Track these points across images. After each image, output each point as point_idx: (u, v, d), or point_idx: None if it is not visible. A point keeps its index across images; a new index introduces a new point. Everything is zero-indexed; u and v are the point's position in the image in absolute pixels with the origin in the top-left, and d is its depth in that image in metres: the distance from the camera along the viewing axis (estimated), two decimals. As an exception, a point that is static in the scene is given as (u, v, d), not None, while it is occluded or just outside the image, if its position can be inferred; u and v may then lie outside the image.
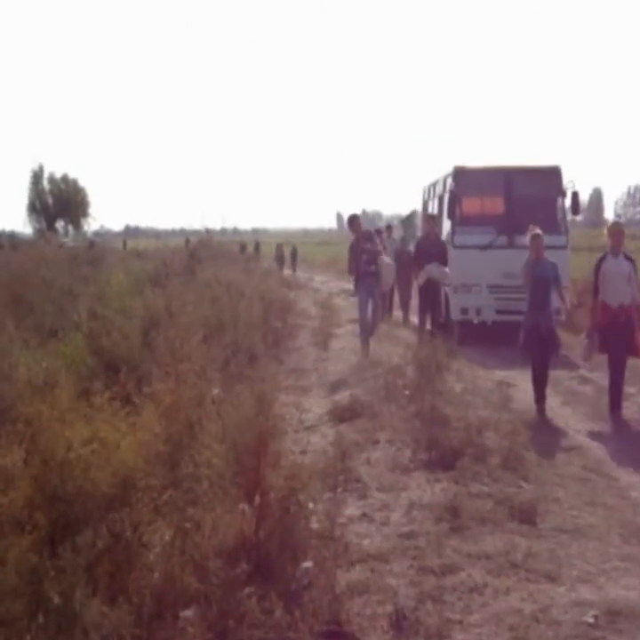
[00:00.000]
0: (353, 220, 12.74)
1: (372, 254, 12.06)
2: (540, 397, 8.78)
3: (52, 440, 3.57)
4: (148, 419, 4.61)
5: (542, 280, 8.87)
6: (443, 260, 12.74)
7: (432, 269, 12.57)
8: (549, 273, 8.91)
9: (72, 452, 3.51)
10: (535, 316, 8.80)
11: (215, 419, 5.41)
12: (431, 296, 12.92)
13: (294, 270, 38.87)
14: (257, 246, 48.01)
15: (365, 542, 5.10)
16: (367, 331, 12.05)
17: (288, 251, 41.16)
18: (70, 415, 3.82)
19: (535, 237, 8.95)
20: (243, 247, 45.96)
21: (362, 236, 12.19)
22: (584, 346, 9.26)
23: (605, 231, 9.40)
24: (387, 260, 12.47)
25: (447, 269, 12.69)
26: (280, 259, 40.08)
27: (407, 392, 8.29)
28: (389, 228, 20.88)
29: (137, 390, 5.72)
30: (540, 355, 8.82)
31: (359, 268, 12.01)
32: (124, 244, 45.74)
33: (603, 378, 10.51)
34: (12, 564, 3.15)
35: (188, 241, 29.96)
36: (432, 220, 13.40)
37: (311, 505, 4.73)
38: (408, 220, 21.24)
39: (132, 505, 3.79)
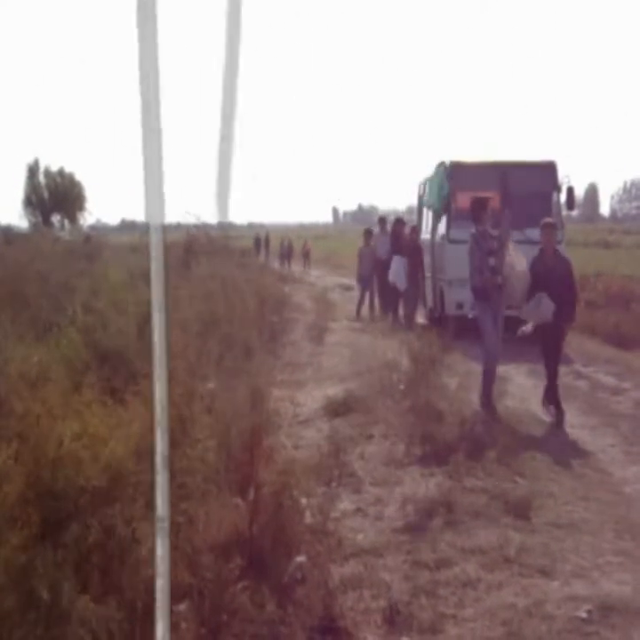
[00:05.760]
0: (481, 203, 8.57)
1: (500, 259, 8.22)
2: None
3: (43, 436, 3.56)
4: (139, 413, 4.60)
5: None
6: (564, 286, 8.06)
7: (529, 311, 8.03)
8: None
9: (64, 448, 3.50)
10: None
11: (208, 413, 5.42)
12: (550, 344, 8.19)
13: (289, 265, 38.49)
14: (266, 240, 45.93)
15: (359, 537, 5.10)
16: (493, 371, 8.34)
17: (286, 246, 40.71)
18: (62, 410, 3.81)
19: None
20: (257, 242, 43.12)
21: (490, 230, 8.45)
22: None
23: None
24: (519, 266, 8.21)
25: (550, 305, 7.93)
26: (288, 255, 39.47)
27: (402, 387, 8.29)
28: (383, 220, 18.50)
29: (132, 384, 5.71)
30: None
31: (484, 276, 8.21)
32: (140, 236, 44.58)
33: (597, 372, 10.57)
34: (1, 561, 3.14)
35: (188, 234, 29.74)
36: (551, 229, 8.52)
37: (305, 500, 4.74)
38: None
39: (124, 500, 3.78)
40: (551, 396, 8.18)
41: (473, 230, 8.39)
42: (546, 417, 8.15)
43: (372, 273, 16.90)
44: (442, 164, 14.28)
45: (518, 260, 8.18)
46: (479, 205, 8.46)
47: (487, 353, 8.29)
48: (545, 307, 7.86)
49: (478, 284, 8.27)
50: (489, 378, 8.23)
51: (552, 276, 7.97)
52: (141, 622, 3.40)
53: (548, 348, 8.14)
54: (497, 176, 14.08)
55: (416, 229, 16.42)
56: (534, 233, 13.86)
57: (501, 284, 8.13)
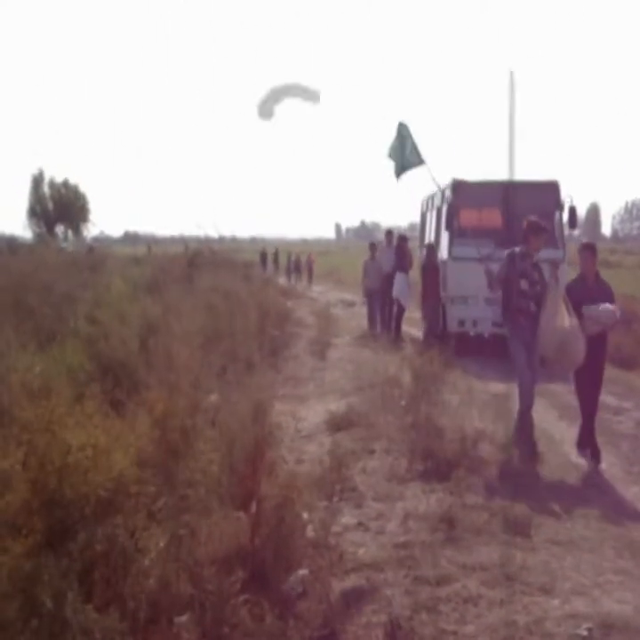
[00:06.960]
0: (536, 229, 7.71)
1: (535, 285, 7.58)
2: None
3: (50, 444, 3.57)
4: (141, 425, 4.63)
5: None
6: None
7: (597, 312, 7.46)
8: None
9: (71, 457, 3.51)
10: None
11: (210, 426, 5.43)
12: (596, 358, 7.51)
13: (297, 280, 38.53)
14: (275, 256, 45.09)
15: (360, 551, 5.10)
16: (529, 408, 7.47)
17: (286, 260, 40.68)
18: (68, 419, 3.83)
19: None
20: (263, 257, 42.65)
21: (528, 251, 7.64)
22: None
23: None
24: (558, 322, 7.30)
25: (612, 308, 7.62)
26: (295, 270, 39.44)
27: (403, 402, 8.30)
28: (390, 233, 17.62)
29: (135, 396, 5.74)
30: None
31: (513, 298, 7.57)
32: (149, 249, 44.07)
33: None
34: (5, 569, 3.15)
35: (187, 248, 29.54)
36: (591, 252, 7.90)
37: (306, 514, 4.74)
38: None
39: (128, 511, 3.80)
40: (587, 437, 7.54)
41: (517, 249, 7.69)
42: (582, 461, 7.49)
43: (379, 287, 16.59)
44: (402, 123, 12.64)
45: (558, 313, 7.29)
46: (533, 230, 7.66)
47: (521, 386, 7.47)
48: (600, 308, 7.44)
49: (508, 303, 7.60)
50: (525, 417, 7.42)
51: (594, 301, 7.48)
52: (143, 632, 3.41)
53: (587, 381, 7.63)
54: (500, 194, 14.14)
55: (433, 248, 15.63)
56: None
57: (536, 314, 7.41)
